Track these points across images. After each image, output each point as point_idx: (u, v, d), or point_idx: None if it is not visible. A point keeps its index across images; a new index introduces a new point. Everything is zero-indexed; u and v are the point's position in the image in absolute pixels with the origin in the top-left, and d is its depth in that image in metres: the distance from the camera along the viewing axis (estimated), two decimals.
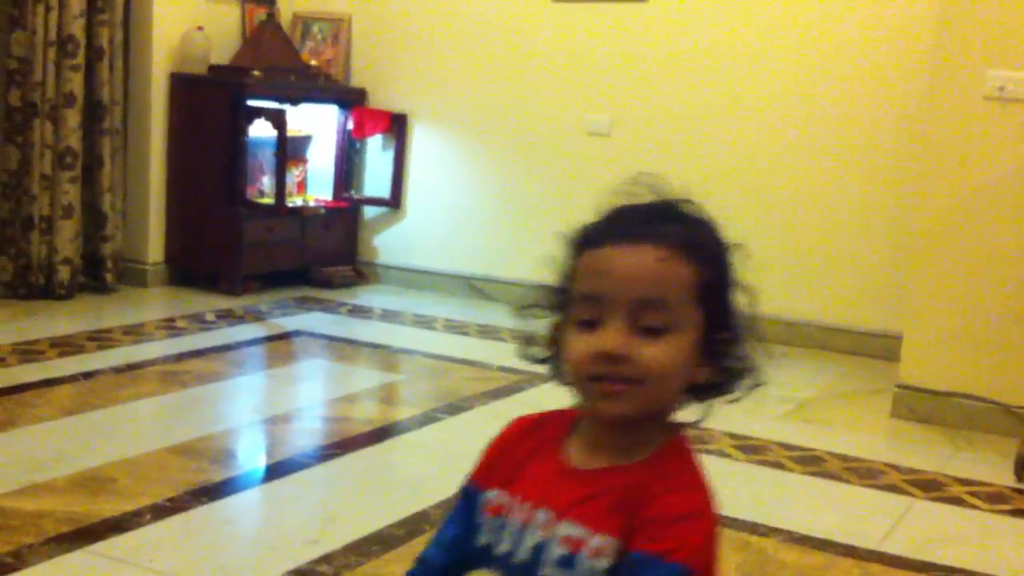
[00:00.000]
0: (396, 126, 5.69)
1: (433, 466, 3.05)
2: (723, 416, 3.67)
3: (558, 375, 1.24)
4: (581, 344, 1.15)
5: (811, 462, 3.26)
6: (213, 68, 5.27)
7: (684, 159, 5.05)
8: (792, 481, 3.11)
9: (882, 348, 4.59)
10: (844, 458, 3.31)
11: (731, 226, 4.65)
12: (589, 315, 1.15)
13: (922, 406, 3.75)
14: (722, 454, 3.28)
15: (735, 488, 3.01)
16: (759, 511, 2.82)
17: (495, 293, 5.51)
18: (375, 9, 5.72)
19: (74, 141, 4.84)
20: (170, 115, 5.28)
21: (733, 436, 3.45)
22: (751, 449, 3.34)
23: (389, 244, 5.83)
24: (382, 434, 3.33)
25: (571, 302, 1.19)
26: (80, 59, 4.82)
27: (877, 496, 3.03)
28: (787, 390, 4.09)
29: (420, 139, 5.70)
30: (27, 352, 3.93)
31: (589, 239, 1.21)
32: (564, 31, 5.28)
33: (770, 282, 4.94)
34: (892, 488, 3.08)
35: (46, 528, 2.42)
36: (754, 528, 2.70)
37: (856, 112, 4.69)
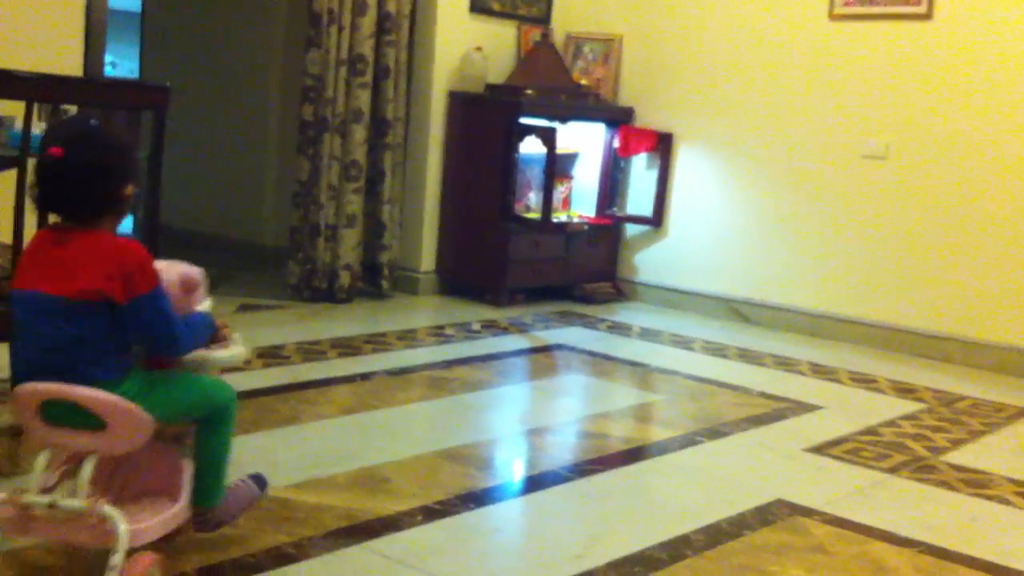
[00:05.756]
0: (661, 145, 5.70)
1: (695, 490, 3.02)
2: (1004, 460, 3.45)
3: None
4: None
5: None
6: (489, 87, 5.46)
7: (966, 184, 4.80)
8: None
9: None
10: None
11: (1017, 251, 4.36)
12: None
13: None
14: (1003, 500, 3.09)
15: (1016, 538, 2.83)
16: None
17: (757, 317, 5.41)
18: (647, 29, 5.75)
19: (360, 155, 5.13)
20: (447, 131, 5.51)
21: (1015, 482, 3.25)
22: None
23: (649, 263, 5.84)
24: (641, 453, 3.33)
25: None
26: (368, 77, 5.11)
27: None
28: None
29: (685, 159, 5.68)
30: (310, 351, 4.20)
31: None
32: (841, 50, 5.14)
33: None
34: None
35: (326, 522, 2.56)
36: None
37: None
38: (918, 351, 4.93)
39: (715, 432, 3.56)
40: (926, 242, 4.93)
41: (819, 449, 3.44)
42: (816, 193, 5.24)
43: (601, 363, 4.47)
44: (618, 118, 5.79)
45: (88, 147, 2.06)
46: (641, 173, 5.86)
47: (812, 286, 5.26)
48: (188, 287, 2.29)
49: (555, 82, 5.52)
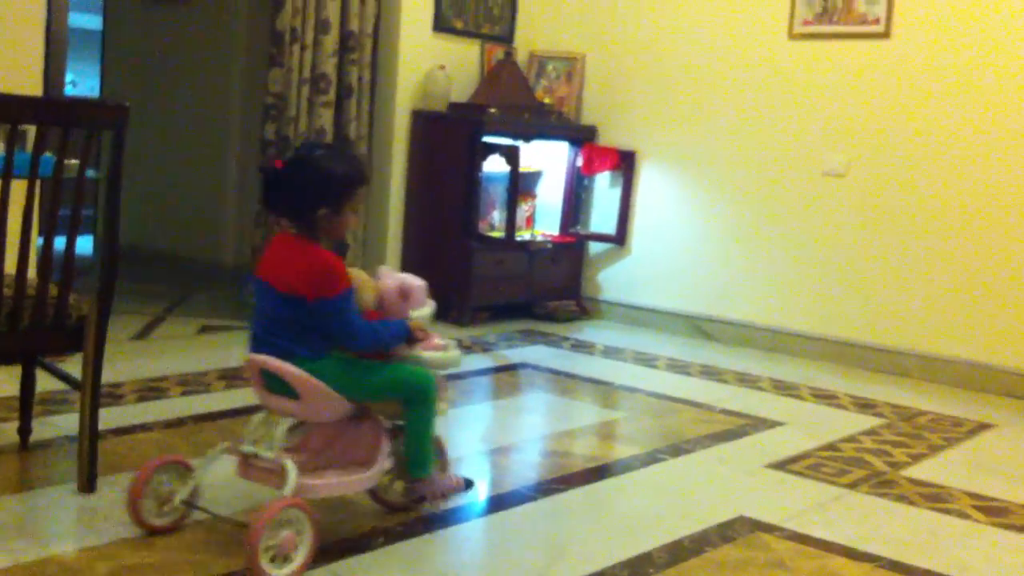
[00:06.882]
0: (624, 163, 5.73)
1: (657, 507, 3.03)
2: (963, 474, 3.48)
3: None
4: (354, 219, 2.59)
5: None
6: (452, 105, 5.47)
7: (923, 201, 4.86)
8: None
9: None
10: None
11: (977, 271, 4.42)
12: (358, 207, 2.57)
13: None
14: (961, 514, 3.12)
15: (974, 551, 2.86)
16: None
17: (719, 334, 5.45)
18: (610, 48, 5.79)
19: None
20: (410, 150, 5.51)
21: (973, 496, 3.28)
22: (993, 511, 3.16)
23: (613, 280, 5.86)
24: (605, 471, 3.33)
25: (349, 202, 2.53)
26: (331, 96, 5.11)
27: None
28: None
29: (648, 177, 5.72)
30: None
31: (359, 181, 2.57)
32: (800, 68, 5.20)
33: (1019, 333, 4.67)
34: None
35: None
36: None
37: None
38: (878, 367, 4.98)
39: (677, 449, 3.57)
40: (885, 258, 4.98)
41: (780, 465, 3.46)
42: (777, 210, 5.29)
43: (564, 381, 4.48)
44: (581, 136, 5.82)
45: (297, 169, 2.52)
46: (604, 191, 5.89)
47: (773, 303, 5.30)
48: (404, 294, 2.68)
49: (519, 100, 5.54)
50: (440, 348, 2.70)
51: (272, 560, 2.32)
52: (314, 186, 2.48)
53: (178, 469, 2.57)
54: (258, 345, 2.53)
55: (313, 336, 2.49)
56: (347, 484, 2.58)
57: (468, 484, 2.81)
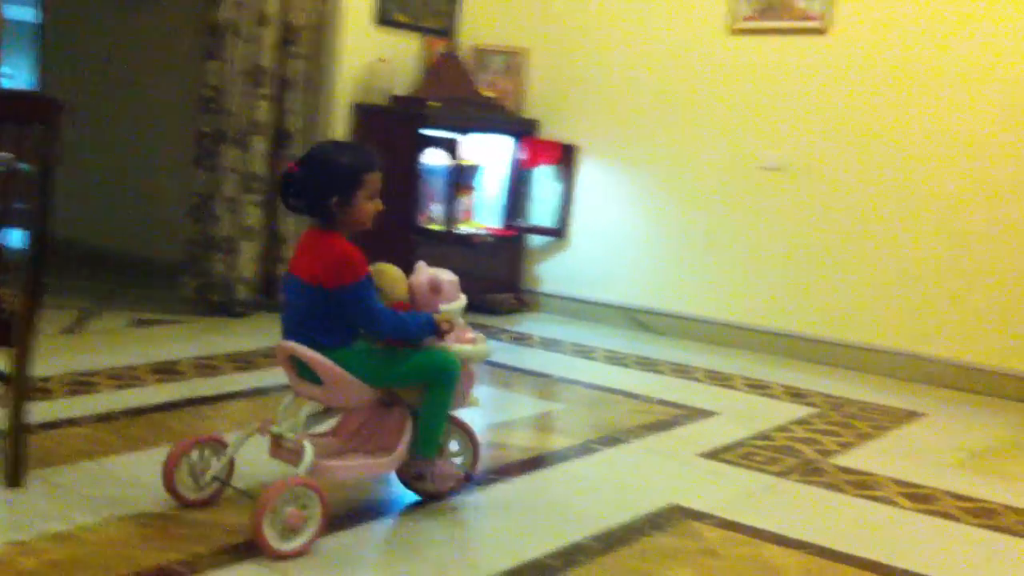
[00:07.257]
0: (565, 157, 5.75)
1: (591, 498, 3.05)
2: (891, 462, 3.54)
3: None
4: (372, 206, 2.65)
5: (983, 514, 3.13)
6: (394, 99, 5.45)
7: (860, 196, 4.94)
8: (962, 533, 2.99)
9: None
10: (1020, 512, 3.17)
11: (907, 264, 4.51)
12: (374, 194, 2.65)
13: None
14: (888, 501, 3.18)
15: (901, 537, 2.92)
16: (926, 562, 2.73)
17: (657, 326, 5.49)
18: (552, 42, 5.81)
19: (259, 167, 5.08)
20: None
21: (900, 483, 3.35)
22: (919, 498, 3.23)
23: (553, 273, 5.89)
24: (540, 463, 3.35)
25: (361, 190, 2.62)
26: (268, 88, 5.06)
27: None
28: (959, 438, 3.95)
29: (588, 171, 5.75)
30: (206, 366, 4.14)
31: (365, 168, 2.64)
32: (740, 65, 5.25)
33: (947, 323, 4.77)
34: None
35: (217, 538, 2.52)
36: None
37: None
38: (811, 357, 5.05)
39: (612, 440, 3.60)
40: (819, 252, 5.06)
41: (713, 454, 3.50)
42: (714, 204, 5.34)
43: (502, 374, 4.49)
44: (523, 130, 5.83)
45: (309, 167, 2.61)
46: (545, 185, 5.90)
47: (710, 295, 5.36)
48: (435, 288, 2.74)
49: (461, 94, 5.54)
50: (470, 341, 2.78)
51: (281, 534, 2.43)
52: (322, 178, 2.58)
53: (213, 446, 2.72)
54: (288, 335, 2.64)
55: (337, 325, 2.59)
56: (366, 467, 2.69)
57: (467, 478, 2.90)
